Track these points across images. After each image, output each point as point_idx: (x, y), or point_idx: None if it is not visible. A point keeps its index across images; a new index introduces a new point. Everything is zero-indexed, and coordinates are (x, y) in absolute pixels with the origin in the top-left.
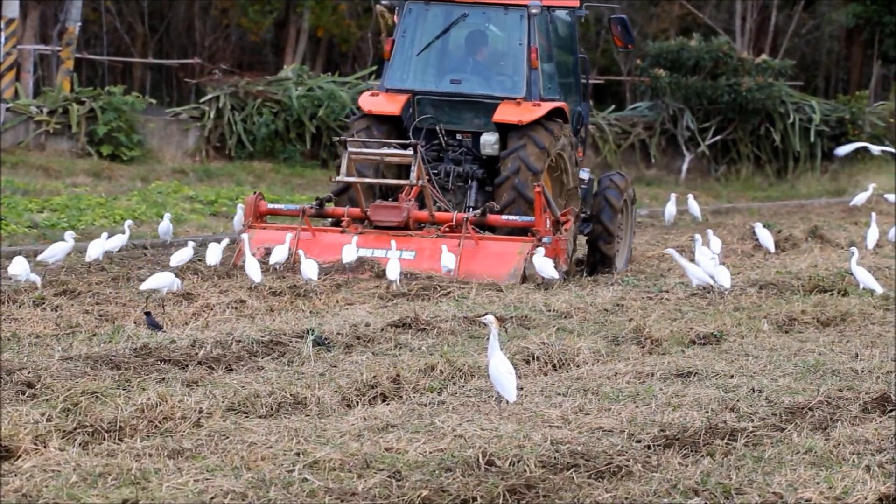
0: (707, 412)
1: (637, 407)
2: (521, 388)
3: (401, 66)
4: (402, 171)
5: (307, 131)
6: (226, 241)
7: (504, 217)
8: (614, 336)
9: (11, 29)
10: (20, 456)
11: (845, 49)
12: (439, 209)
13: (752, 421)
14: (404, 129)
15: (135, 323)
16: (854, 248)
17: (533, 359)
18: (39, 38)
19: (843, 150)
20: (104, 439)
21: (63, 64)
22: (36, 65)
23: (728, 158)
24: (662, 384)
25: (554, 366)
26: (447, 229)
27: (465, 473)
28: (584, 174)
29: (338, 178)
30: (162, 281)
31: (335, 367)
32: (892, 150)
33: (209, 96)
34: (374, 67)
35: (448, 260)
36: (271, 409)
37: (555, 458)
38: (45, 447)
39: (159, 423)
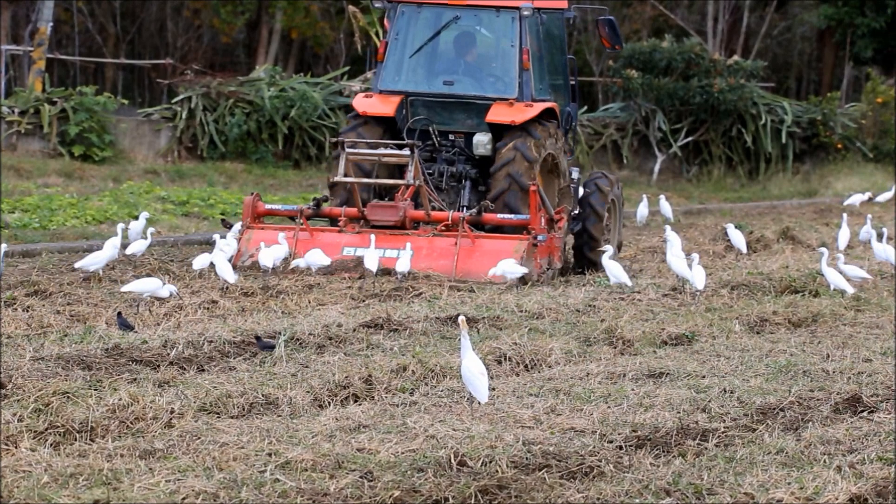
0: (679, 413)
1: (609, 407)
2: (493, 389)
3: (394, 67)
4: (396, 171)
5: (279, 132)
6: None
7: (500, 216)
8: (586, 337)
9: None
10: None
11: (817, 50)
12: (434, 208)
13: (724, 421)
14: (398, 130)
15: (106, 323)
16: (824, 249)
17: (505, 359)
18: (11, 39)
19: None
20: (75, 440)
21: (35, 64)
22: (7, 65)
23: (700, 159)
24: (634, 385)
25: (526, 366)
26: (443, 228)
27: (437, 474)
28: (575, 173)
29: (336, 179)
30: (147, 286)
31: (307, 367)
32: None
33: (181, 97)
34: (347, 68)
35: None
36: (243, 409)
37: (527, 458)
38: (16, 447)
39: (131, 423)
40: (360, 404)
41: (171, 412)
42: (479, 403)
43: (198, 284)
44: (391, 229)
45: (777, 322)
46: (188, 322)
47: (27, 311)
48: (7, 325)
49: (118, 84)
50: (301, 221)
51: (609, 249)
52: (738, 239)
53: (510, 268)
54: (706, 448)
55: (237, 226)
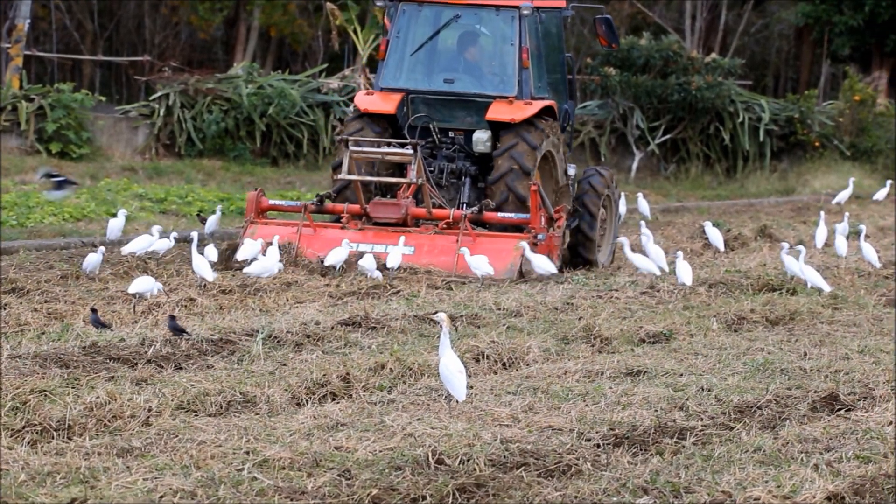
0: (656, 411)
1: (586, 406)
2: (471, 387)
3: (395, 65)
4: (396, 168)
5: (257, 129)
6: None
7: (500, 214)
8: (564, 335)
9: None
10: None
11: (794, 48)
12: (435, 205)
13: (702, 420)
14: (399, 128)
15: (84, 321)
16: (801, 247)
17: (483, 357)
18: None
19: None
20: (53, 438)
21: (12, 61)
22: None
23: (678, 157)
24: (612, 383)
25: (504, 364)
26: (444, 226)
27: (415, 472)
28: (571, 170)
29: (340, 177)
30: (145, 285)
31: (285, 365)
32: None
33: (159, 94)
34: (325, 65)
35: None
36: (221, 407)
37: (504, 456)
38: None
39: (108, 421)
40: (337, 402)
41: (149, 410)
42: (457, 402)
43: (175, 282)
44: (393, 226)
45: (754, 320)
46: (166, 320)
47: (4, 308)
48: None
49: (96, 81)
50: (305, 217)
51: (625, 241)
52: (715, 237)
53: (480, 264)
54: (684, 446)
55: (213, 218)
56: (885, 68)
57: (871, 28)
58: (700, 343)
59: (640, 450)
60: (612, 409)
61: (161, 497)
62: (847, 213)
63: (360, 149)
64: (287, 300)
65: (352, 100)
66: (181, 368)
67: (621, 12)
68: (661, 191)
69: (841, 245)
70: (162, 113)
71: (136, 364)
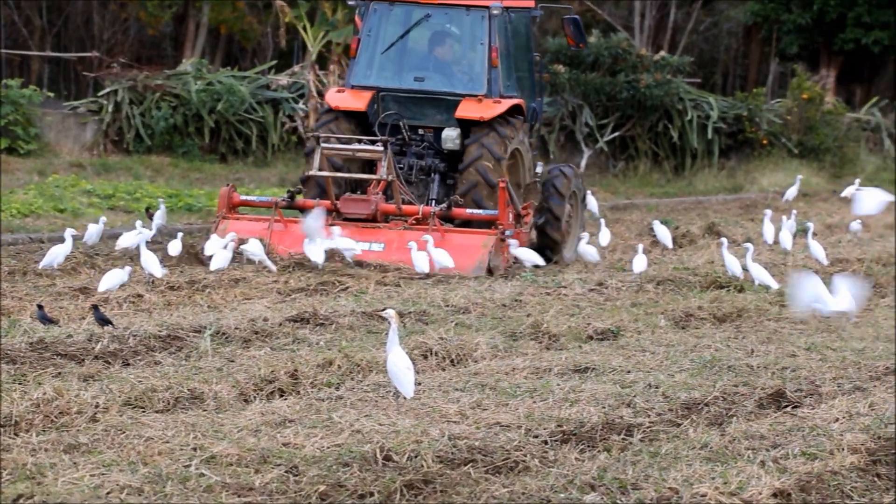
0: (604, 407)
1: (534, 402)
2: (419, 384)
3: (366, 63)
4: (367, 165)
5: (206, 125)
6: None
7: (469, 210)
8: (512, 331)
9: None
10: None
11: (743, 46)
12: (405, 202)
13: (649, 416)
14: (369, 125)
15: (31, 317)
16: (750, 245)
17: (431, 354)
18: None
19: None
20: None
21: None
22: None
23: (626, 155)
24: (560, 379)
25: (452, 361)
26: (414, 222)
27: (363, 468)
28: (538, 168)
29: (310, 173)
30: (115, 279)
31: (233, 361)
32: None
33: (107, 90)
34: (274, 62)
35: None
36: (168, 403)
37: (452, 453)
38: None
39: (55, 417)
40: (285, 399)
41: (96, 407)
42: (405, 398)
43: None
44: (363, 222)
45: (702, 317)
46: (113, 316)
47: None
48: None
49: (44, 77)
50: (276, 213)
51: (586, 236)
52: (663, 234)
53: (443, 258)
54: (631, 443)
55: (159, 213)
56: (833, 67)
57: (819, 26)
58: (648, 340)
59: (588, 446)
60: (559, 405)
61: (108, 493)
62: (794, 211)
63: (331, 146)
64: (235, 296)
65: (301, 96)
66: (128, 365)
67: (571, 10)
68: (610, 188)
69: (786, 240)
70: (110, 109)
71: (83, 360)
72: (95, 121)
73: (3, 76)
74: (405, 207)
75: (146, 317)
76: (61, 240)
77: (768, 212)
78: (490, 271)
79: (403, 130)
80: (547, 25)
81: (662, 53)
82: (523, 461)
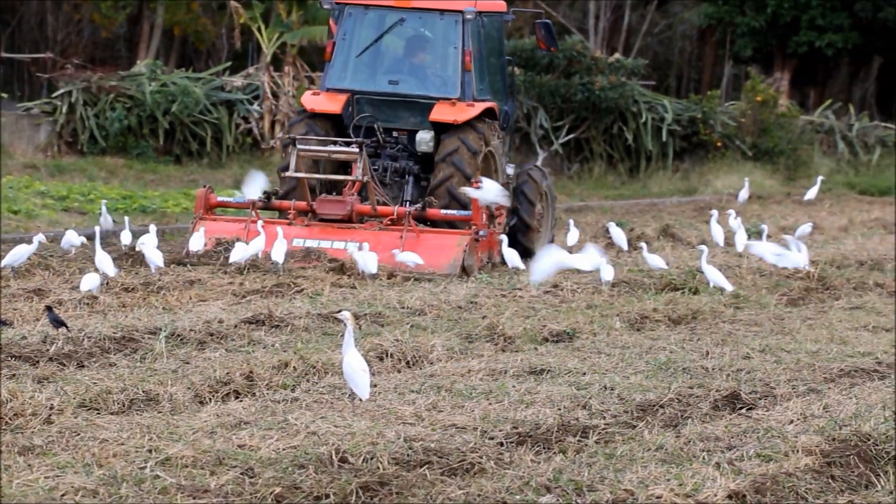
0: (559, 409)
1: (490, 404)
2: (375, 386)
3: (341, 66)
4: (341, 167)
5: (160, 127)
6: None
7: (443, 211)
8: (468, 333)
9: None
10: None
11: (697, 49)
12: (380, 203)
13: (604, 418)
14: (344, 127)
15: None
16: (704, 247)
17: (387, 356)
18: None
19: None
20: None
21: None
22: None
23: (581, 157)
24: (515, 381)
25: (408, 363)
26: (388, 222)
27: (319, 470)
28: (510, 169)
29: (287, 174)
30: (94, 281)
31: (188, 363)
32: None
33: (61, 91)
34: (229, 64)
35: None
36: (123, 405)
37: (408, 455)
38: None
39: (10, 419)
40: (241, 401)
41: (51, 408)
42: (361, 400)
43: (77, 280)
44: (339, 223)
45: (657, 319)
46: (68, 317)
47: None
48: None
49: None
50: (253, 213)
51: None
52: (619, 236)
53: (411, 258)
54: (586, 445)
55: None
56: (787, 69)
57: (773, 29)
58: (603, 342)
59: (544, 448)
60: (515, 407)
61: (63, 495)
62: (733, 211)
63: (307, 147)
64: (190, 298)
65: (256, 98)
66: (83, 366)
67: (525, 12)
68: (565, 190)
69: (740, 242)
70: (64, 110)
71: (37, 362)
72: (49, 122)
73: None
74: (380, 208)
75: (101, 318)
76: (17, 242)
77: (714, 213)
78: (465, 270)
79: (378, 133)
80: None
81: (617, 56)
82: (479, 463)
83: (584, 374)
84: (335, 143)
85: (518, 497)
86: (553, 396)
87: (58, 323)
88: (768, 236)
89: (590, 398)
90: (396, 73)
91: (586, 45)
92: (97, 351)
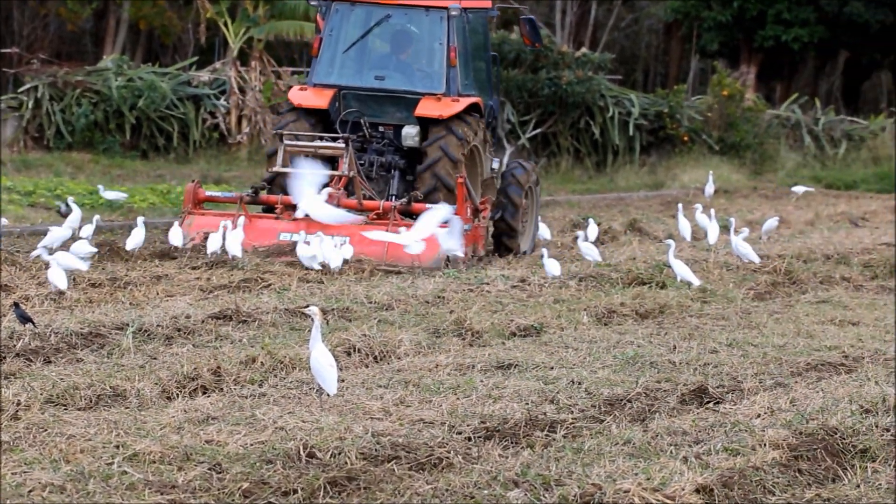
0: (527, 404)
1: (458, 399)
2: (343, 381)
3: (328, 62)
4: (328, 162)
5: (127, 122)
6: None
7: (428, 205)
8: (435, 328)
9: None
10: None
11: (664, 43)
12: (366, 197)
13: (572, 412)
14: (331, 122)
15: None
16: (671, 241)
17: (354, 351)
18: None
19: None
20: None
21: None
22: None
23: (548, 151)
24: (483, 376)
25: (375, 358)
26: (375, 216)
27: (286, 465)
28: (495, 164)
29: (274, 169)
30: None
31: (155, 359)
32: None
33: (27, 86)
34: (195, 58)
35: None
36: (90, 401)
37: (376, 450)
38: None
39: None
40: (208, 396)
41: (18, 404)
42: (329, 395)
43: (44, 276)
44: None
45: (624, 313)
46: (34, 313)
47: None
48: None
49: None
50: (241, 208)
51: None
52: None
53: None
54: (554, 439)
55: (72, 208)
56: (753, 63)
57: (739, 24)
58: (570, 336)
59: (511, 443)
60: (483, 402)
61: (30, 491)
62: (699, 205)
63: (294, 142)
64: (157, 293)
65: (223, 93)
66: (50, 362)
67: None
68: None
69: (712, 235)
70: (31, 105)
71: (4, 358)
72: (15, 117)
73: None
74: (366, 202)
75: (68, 314)
76: None
77: (681, 206)
78: (448, 262)
79: (364, 128)
80: None
81: (584, 50)
82: (447, 458)
83: (552, 368)
84: (321, 137)
85: (486, 492)
86: (521, 391)
87: (24, 319)
88: (736, 230)
89: (557, 393)
90: (382, 68)
91: (553, 39)
92: (64, 347)
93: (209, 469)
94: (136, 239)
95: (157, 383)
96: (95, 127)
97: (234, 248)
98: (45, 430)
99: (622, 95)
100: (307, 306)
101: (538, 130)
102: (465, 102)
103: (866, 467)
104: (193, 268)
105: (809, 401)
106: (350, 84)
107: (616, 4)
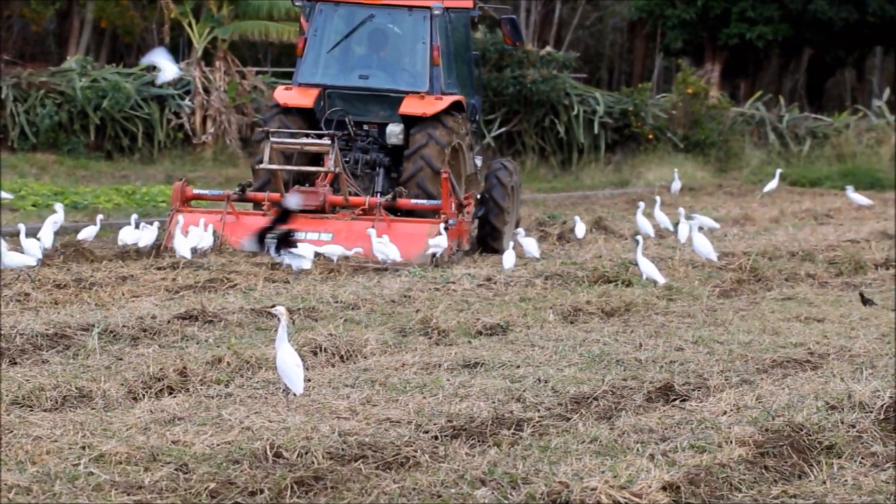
0: (494, 402)
1: (424, 398)
2: (309, 380)
3: (312, 62)
4: (314, 159)
5: (91, 122)
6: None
7: (413, 201)
8: (402, 327)
9: None
10: None
11: (628, 42)
12: (352, 194)
13: (538, 411)
14: (316, 121)
15: None
16: (639, 238)
17: (321, 350)
18: None
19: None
20: None
21: None
22: None
23: (513, 150)
24: (449, 375)
25: (342, 357)
26: (360, 212)
27: (253, 465)
28: (478, 160)
29: (261, 166)
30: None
31: (121, 360)
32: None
33: None
34: None
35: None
36: (56, 402)
37: (343, 449)
38: None
39: None
40: (174, 396)
41: None
42: (295, 395)
43: (9, 277)
44: (312, 213)
45: (590, 312)
46: None
47: None
48: None
49: None
50: (228, 206)
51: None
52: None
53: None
54: (521, 437)
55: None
56: (718, 61)
57: (703, 22)
58: (537, 335)
59: (478, 441)
60: (449, 400)
61: None
62: (658, 197)
63: (280, 140)
64: (123, 294)
65: (187, 93)
66: (16, 363)
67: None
68: None
69: (682, 233)
70: None
71: None
72: None
73: None
74: (352, 199)
75: (33, 315)
76: None
77: (641, 204)
78: (433, 259)
79: (349, 126)
80: None
81: (548, 49)
82: (414, 457)
83: (518, 366)
84: (307, 135)
85: (453, 490)
86: (487, 389)
87: None
88: (700, 228)
89: (524, 391)
90: (366, 67)
91: None
92: (30, 348)
93: (176, 469)
94: (88, 231)
95: (122, 384)
96: (60, 128)
97: (183, 250)
98: (11, 432)
99: (587, 94)
100: (273, 306)
101: (503, 129)
102: (448, 100)
103: (832, 463)
104: (159, 268)
105: (775, 398)
106: (335, 83)
107: (580, 3)
